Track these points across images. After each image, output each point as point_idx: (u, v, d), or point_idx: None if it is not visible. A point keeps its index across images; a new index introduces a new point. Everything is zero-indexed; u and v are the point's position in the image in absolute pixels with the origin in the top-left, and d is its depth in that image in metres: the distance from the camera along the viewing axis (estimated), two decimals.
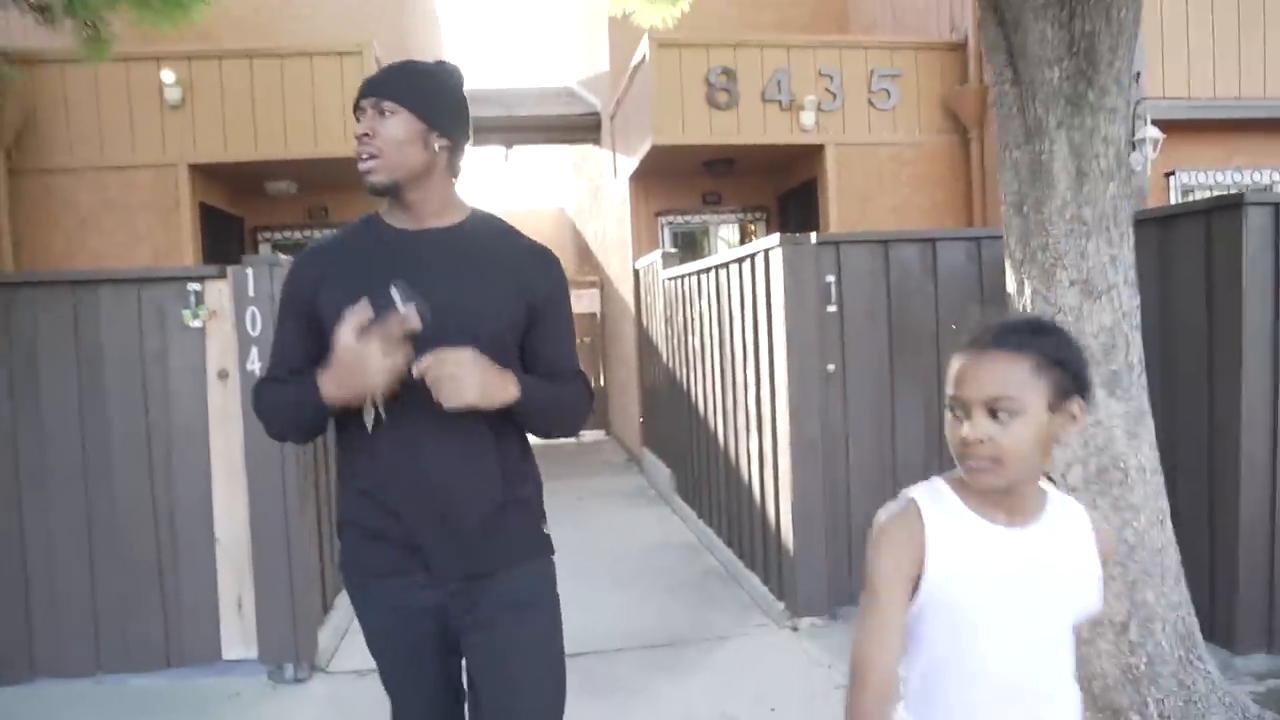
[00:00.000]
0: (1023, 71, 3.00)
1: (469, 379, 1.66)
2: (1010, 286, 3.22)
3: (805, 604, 4.73)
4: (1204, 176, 8.32)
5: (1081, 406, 1.38)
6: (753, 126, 8.31)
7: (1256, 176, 8.30)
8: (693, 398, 7.01)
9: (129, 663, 4.36)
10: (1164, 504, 3.14)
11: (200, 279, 4.36)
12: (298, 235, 9.67)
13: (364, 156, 1.82)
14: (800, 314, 4.67)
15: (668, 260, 7.97)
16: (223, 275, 4.35)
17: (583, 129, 12.35)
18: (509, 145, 12.97)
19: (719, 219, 10.10)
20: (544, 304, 1.92)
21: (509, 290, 1.85)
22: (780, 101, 8.26)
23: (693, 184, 9.77)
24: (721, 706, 3.88)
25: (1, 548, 4.25)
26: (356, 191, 8.65)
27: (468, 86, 2.03)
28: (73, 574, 4.30)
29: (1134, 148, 7.65)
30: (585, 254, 15.43)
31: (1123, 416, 2.96)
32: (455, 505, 1.83)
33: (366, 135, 1.81)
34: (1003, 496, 1.38)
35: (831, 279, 4.73)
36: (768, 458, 5.11)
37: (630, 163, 9.62)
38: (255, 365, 4.25)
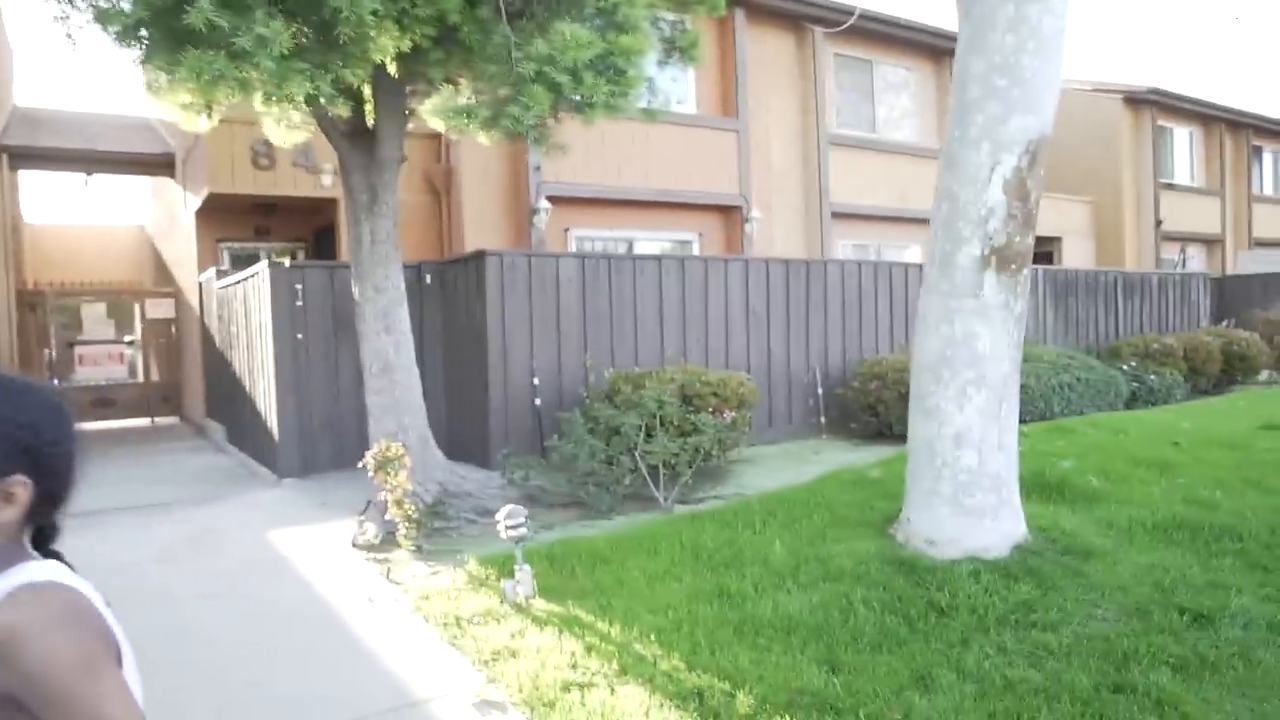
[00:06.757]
0: (353, 197, 6.88)
1: None
2: (354, 292, 7.07)
3: (285, 470, 8.34)
4: (591, 232, 13.16)
5: (25, 485, 1.24)
6: (288, 183, 11.73)
7: (617, 233, 13.31)
8: (234, 370, 10.29)
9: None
10: (418, 394, 7.12)
11: None
12: None
13: None
14: (279, 306, 8.28)
15: (220, 275, 11.15)
16: None
17: (160, 165, 14.89)
18: (90, 173, 15.11)
19: (269, 246, 13.34)
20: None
21: None
22: (307, 166, 11.77)
23: (247, 219, 12.94)
24: (234, 511, 7.36)
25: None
26: None
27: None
28: None
29: (535, 213, 12.27)
30: (163, 269, 17.64)
31: (393, 346, 6.91)
32: None
33: None
34: None
35: (300, 287, 8.41)
36: (269, 393, 8.63)
37: (196, 200, 12.55)
38: None
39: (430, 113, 5.63)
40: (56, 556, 1.35)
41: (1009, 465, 5.04)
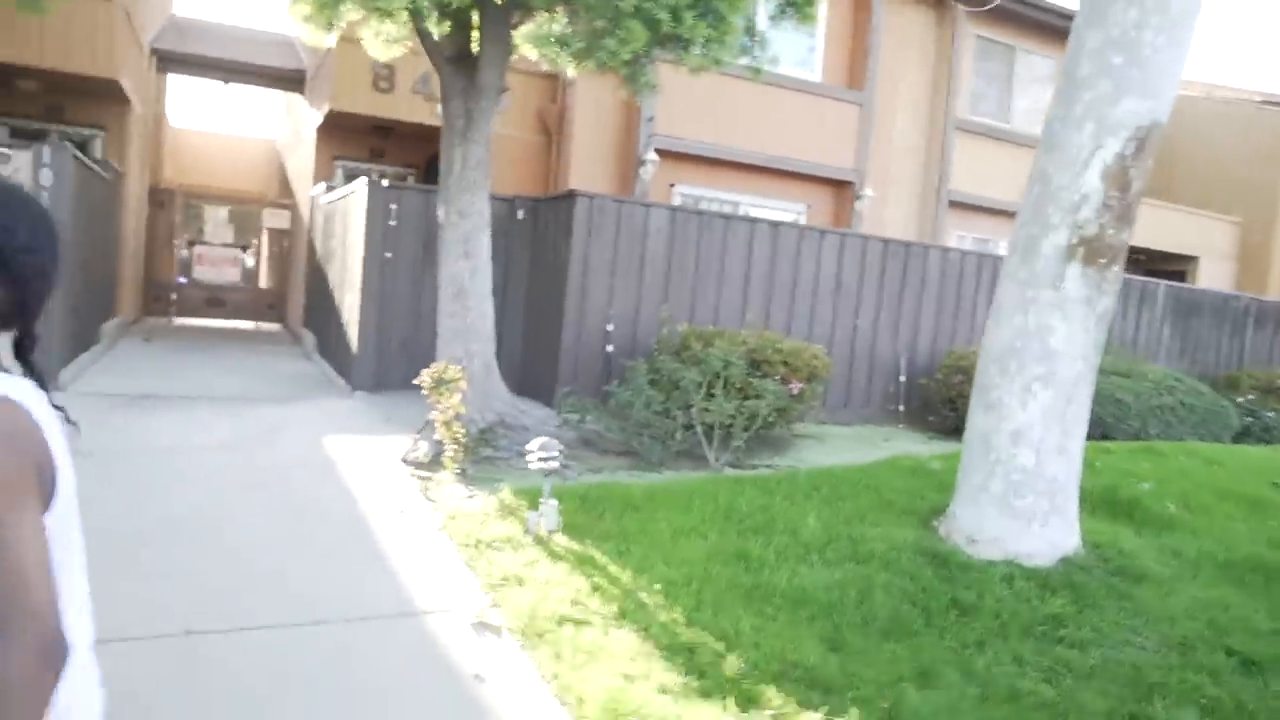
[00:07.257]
0: (449, 121, 6.92)
1: None
2: (439, 214, 7.15)
3: (359, 383, 8.55)
4: (697, 190, 12.98)
5: None
6: (405, 108, 11.94)
7: (723, 195, 13.09)
8: (329, 283, 10.59)
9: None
10: (490, 322, 7.19)
11: None
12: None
13: None
14: (373, 224, 8.44)
15: (329, 190, 11.46)
16: None
17: (291, 80, 15.37)
18: (226, 81, 15.71)
19: (381, 169, 13.64)
20: None
21: None
22: (424, 94, 11.94)
23: (364, 141, 13.24)
24: (303, 414, 7.62)
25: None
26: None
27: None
28: None
29: (642, 164, 12.17)
30: (285, 183, 18.31)
31: (470, 271, 6.96)
32: None
33: None
34: None
35: (394, 206, 8.55)
36: (353, 306, 8.85)
37: (318, 116, 12.91)
38: None
39: (523, 39, 5.60)
40: (32, 369, 1.31)
41: (1069, 472, 4.74)
